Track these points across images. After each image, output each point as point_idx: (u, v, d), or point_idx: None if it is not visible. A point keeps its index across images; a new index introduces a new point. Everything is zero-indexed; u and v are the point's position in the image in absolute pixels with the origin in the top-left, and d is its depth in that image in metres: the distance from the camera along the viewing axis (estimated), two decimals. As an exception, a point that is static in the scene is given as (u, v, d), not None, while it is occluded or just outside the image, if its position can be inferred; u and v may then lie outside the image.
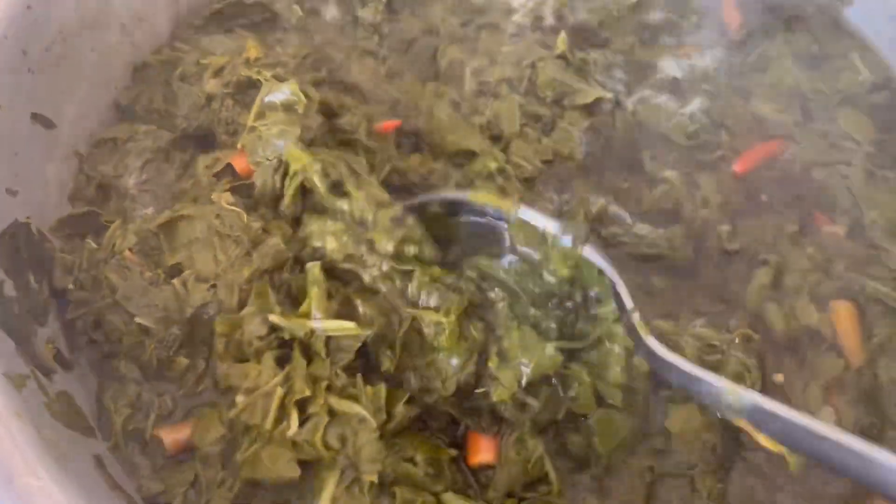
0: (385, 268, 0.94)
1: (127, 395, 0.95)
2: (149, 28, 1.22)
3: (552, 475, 0.92)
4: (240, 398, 0.87)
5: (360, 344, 0.90)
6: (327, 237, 0.96)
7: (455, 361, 0.92)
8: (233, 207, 0.99)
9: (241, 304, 0.94)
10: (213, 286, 0.95)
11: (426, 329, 0.92)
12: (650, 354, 0.96)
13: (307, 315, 0.90)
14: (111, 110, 1.18)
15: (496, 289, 1.00)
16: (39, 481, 0.74)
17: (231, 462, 0.90)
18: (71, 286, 0.98)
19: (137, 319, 0.94)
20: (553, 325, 0.99)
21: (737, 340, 1.00)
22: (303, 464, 0.86)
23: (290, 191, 1.00)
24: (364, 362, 0.92)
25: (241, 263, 0.96)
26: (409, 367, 0.93)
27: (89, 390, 0.98)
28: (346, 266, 0.95)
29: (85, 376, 0.99)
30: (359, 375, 0.89)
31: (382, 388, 0.88)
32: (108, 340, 0.97)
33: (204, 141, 1.14)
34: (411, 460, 0.88)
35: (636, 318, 0.98)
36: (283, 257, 0.97)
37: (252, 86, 1.10)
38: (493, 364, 0.93)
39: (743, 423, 0.89)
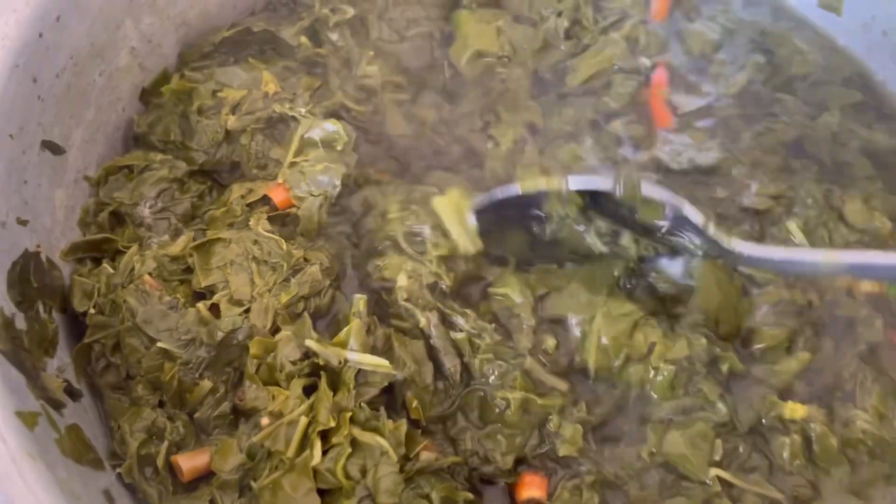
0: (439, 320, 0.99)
1: (142, 418, 0.95)
2: (157, 50, 1.21)
3: None
4: (264, 420, 0.89)
5: (386, 383, 0.93)
6: (401, 274, 1.00)
7: (518, 439, 0.96)
8: (271, 235, 1.02)
9: (274, 330, 0.96)
10: (247, 311, 0.97)
11: (490, 401, 0.97)
12: (741, 258, 0.99)
13: (343, 344, 0.92)
14: (117, 132, 1.17)
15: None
16: (54, 525, 0.73)
17: (248, 490, 0.90)
18: (92, 310, 0.98)
19: (160, 344, 0.95)
20: None
21: None
22: (320, 492, 0.87)
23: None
24: (388, 398, 0.95)
25: (278, 289, 0.99)
26: (465, 427, 0.97)
27: (95, 419, 0.98)
28: (406, 305, 0.99)
29: (92, 404, 0.98)
30: (382, 409, 0.91)
31: (404, 424, 0.90)
32: (126, 364, 0.98)
33: (219, 173, 1.15)
34: (427, 497, 0.89)
35: (711, 229, 0.98)
36: (320, 286, 1.01)
37: (280, 120, 1.12)
38: (553, 425, 0.96)
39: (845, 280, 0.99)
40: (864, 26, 1.31)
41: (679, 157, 1.18)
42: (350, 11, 1.29)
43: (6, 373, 0.83)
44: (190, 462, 0.92)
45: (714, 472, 0.95)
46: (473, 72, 1.29)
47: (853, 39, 1.33)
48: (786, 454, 0.97)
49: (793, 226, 1.11)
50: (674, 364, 0.98)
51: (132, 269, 1.01)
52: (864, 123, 1.25)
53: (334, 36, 1.28)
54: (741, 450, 0.98)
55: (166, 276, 1.01)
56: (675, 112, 1.26)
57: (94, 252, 1.05)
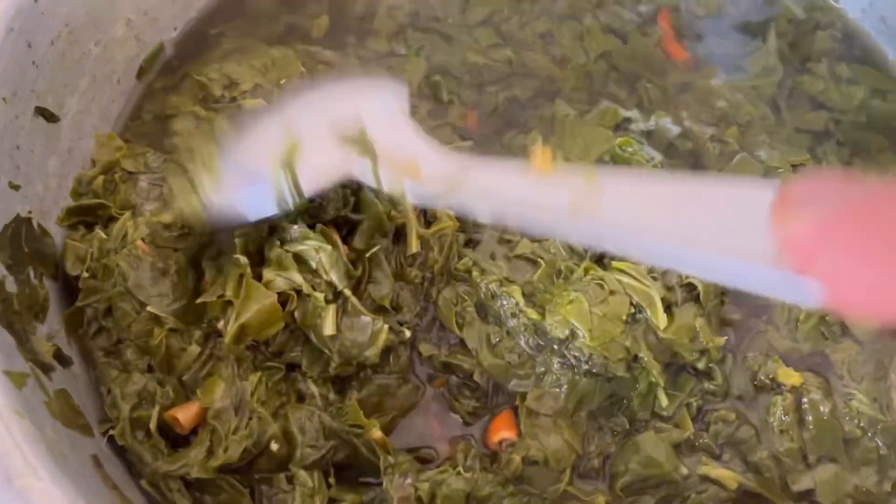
0: None
1: (133, 382, 0.95)
2: (153, 23, 1.21)
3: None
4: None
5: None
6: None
7: None
8: None
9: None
10: None
11: None
12: None
13: None
14: (112, 105, 1.17)
15: None
16: (40, 482, 0.72)
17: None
18: (85, 274, 0.98)
19: (150, 308, 0.95)
20: None
21: None
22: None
23: None
24: None
25: None
26: None
27: (85, 386, 0.97)
28: None
29: (82, 372, 0.98)
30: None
31: None
32: (117, 328, 0.98)
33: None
34: None
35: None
36: None
37: None
38: None
39: None
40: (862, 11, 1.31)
41: None
42: None
43: (-5, 333, 0.82)
44: (185, 413, 0.92)
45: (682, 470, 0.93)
46: None
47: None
48: (778, 412, 0.96)
49: None
50: None
51: (125, 235, 1.01)
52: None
53: None
54: (729, 420, 0.97)
55: (160, 242, 1.01)
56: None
57: (88, 217, 1.05)
